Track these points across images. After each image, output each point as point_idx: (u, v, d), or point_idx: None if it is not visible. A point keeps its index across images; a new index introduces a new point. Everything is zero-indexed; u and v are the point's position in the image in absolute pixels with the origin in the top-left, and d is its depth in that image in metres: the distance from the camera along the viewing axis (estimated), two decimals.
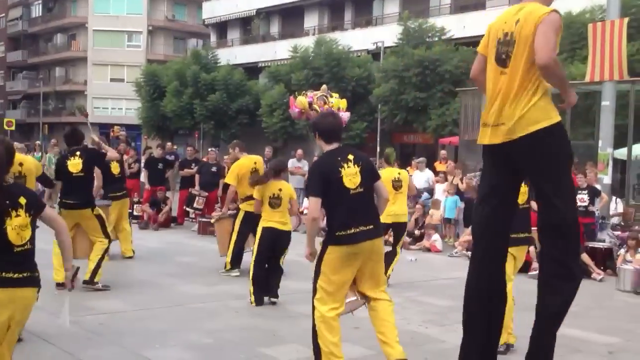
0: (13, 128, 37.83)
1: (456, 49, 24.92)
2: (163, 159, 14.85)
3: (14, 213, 3.50)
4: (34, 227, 3.64)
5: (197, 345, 5.62)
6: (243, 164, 8.79)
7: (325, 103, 12.84)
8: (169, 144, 18.68)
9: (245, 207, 8.45)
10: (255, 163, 8.87)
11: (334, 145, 4.82)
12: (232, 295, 7.69)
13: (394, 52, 26.40)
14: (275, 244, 7.35)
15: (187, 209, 14.24)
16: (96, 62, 50.42)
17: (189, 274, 8.91)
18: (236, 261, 8.74)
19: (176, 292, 7.74)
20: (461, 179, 13.48)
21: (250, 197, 7.95)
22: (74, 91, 53.35)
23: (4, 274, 3.45)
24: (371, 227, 4.69)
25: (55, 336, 5.57)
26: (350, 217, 4.64)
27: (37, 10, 57.05)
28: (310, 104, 12.05)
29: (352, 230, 4.62)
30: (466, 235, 12.23)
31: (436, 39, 26.27)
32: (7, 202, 3.50)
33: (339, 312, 4.74)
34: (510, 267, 6.20)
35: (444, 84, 24.35)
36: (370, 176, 4.80)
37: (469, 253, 11.07)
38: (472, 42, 25.48)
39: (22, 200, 3.54)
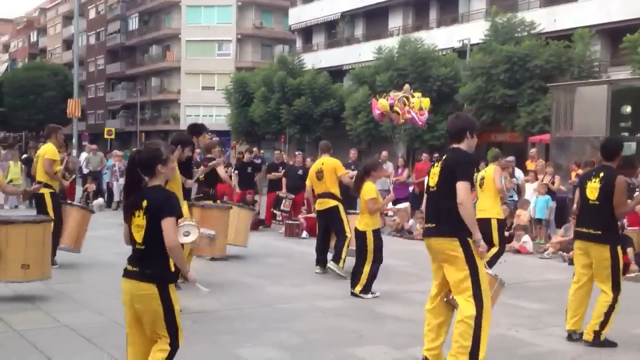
0: (113, 136, 39.68)
1: (546, 44, 24.15)
2: (252, 162, 15.25)
3: (137, 213, 3.86)
4: (153, 230, 3.84)
5: (287, 345, 5.77)
6: (313, 166, 9.66)
7: (405, 105, 12.84)
8: (255, 148, 19.17)
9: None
10: (322, 164, 9.27)
11: (452, 145, 4.99)
12: (319, 296, 7.82)
13: (481, 49, 25.90)
14: None
15: (275, 211, 14.57)
16: (189, 72, 52.28)
17: (277, 275, 9.12)
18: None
19: (265, 293, 7.95)
20: (551, 179, 13.08)
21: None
22: (168, 100, 55.57)
23: (126, 265, 3.98)
24: (432, 225, 4.91)
25: None
26: (427, 214, 5.10)
27: (134, 23, 59.78)
28: (391, 106, 12.08)
29: (425, 226, 5.10)
30: (559, 236, 11.87)
31: (525, 33, 25.55)
32: (137, 202, 3.87)
33: (431, 304, 5.03)
34: (579, 260, 6.02)
35: (534, 80, 23.67)
36: (445, 177, 4.81)
37: (564, 254, 10.83)
38: (564, 35, 24.73)
39: (144, 203, 3.84)
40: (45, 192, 8.64)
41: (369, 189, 7.67)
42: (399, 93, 12.06)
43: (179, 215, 3.90)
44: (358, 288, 7.68)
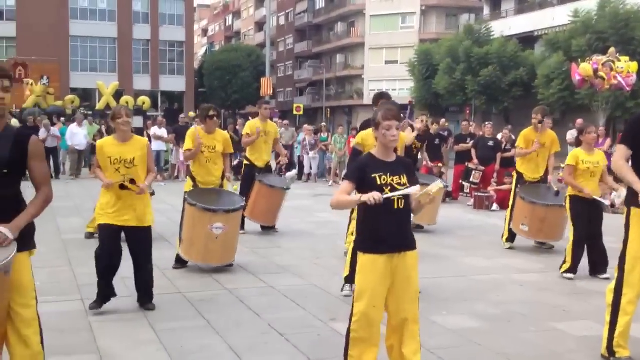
0: (301, 112, 41.31)
1: None
2: (438, 134, 15.05)
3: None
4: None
5: (485, 315, 5.68)
6: None
7: (612, 69, 11.84)
8: (442, 120, 18.85)
9: None
10: None
11: None
12: (514, 269, 7.59)
13: None
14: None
15: (463, 183, 14.29)
16: (372, 47, 52.79)
17: (470, 247, 8.98)
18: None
19: (459, 264, 7.87)
20: None
21: None
22: (352, 76, 56.64)
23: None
24: None
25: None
26: None
27: (320, 2, 61.49)
28: (595, 71, 11.20)
29: None
30: None
31: None
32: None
33: None
34: None
35: None
36: None
37: None
38: None
39: None
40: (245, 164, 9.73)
41: (570, 155, 7.20)
42: (602, 57, 11.16)
43: None
44: (564, 267, 7.22)
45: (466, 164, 14.22)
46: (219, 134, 7.47)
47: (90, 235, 8.73)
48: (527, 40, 35.05)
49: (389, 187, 3.72)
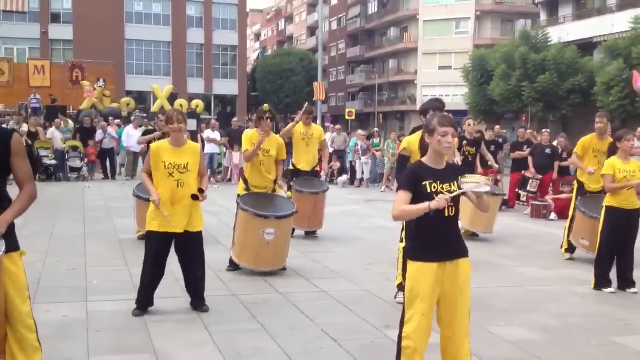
0: (353, 117, 41.24)
1: None
2: (494, 141, 14.78)
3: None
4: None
5: (543, 327, 5.51)
6: None
7: None
8: (497, 127, 18.55)
9: None
10: None
11: None
12: (574, 280, 7.36)
13: None
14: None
15: (520, 191, 13.98)
16: (426, 52, 52.39)
17: (527, 256, 8.76)
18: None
19: (515, 274, 7.68)
20: None
21: None
22: (405, 81, 56.33)
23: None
24: None
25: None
26: None
27: (373, 7, 61.42)
28: None
29: None
30: None
31: None
32: None
33: None
34: None
35: None
36: None
37: None
38: None
39: None
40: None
41: (607, 164, 6.86)
42: None
43: None
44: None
45: (523, 172, 13.92)
46: (274, 139, 7.45)
47: (143, 237, 8.87)
48: (586, 46, 34.18)
49: (439, 195, 3.65)
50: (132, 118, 22.06)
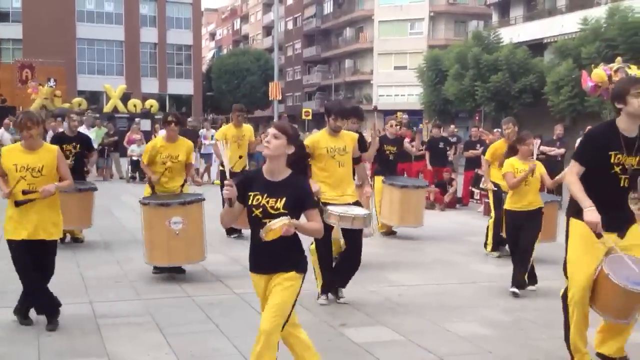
0: (310, 117, 41.25)
1: None
2: (443, 138, 14.96)
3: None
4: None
5: (496, 322, 5.61)
6: None
7: (627, 75, 11.74)
8: (452, 126, 18.82)
9: None
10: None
11: None
12: None
13: None
14: None
15: (473, 189, 14.22)
16: (381, 52, 52.76)
17: (480, 253, 8.90)
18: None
19: (468, 270, 7.80)
20: None
21: None
22: (361, 81, 56.63)
23: None
24: None
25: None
26: None
27: (328, 7, 61.55)
28: (609, 77, 11.12)
29: None
30: None
31: None
32: None
33: None
34: None
35: None
36: None
37: None
38: None
39: None
40: None
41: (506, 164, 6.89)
42: (613, 65, 11.07)
43: None
44: None
45: (476, 170, 14.14)
46: (182, 143, 7.27)
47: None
48: (536, 47, 34.93)
49: (261, 209, 3.66)
50: (84, 118, 21.55)
